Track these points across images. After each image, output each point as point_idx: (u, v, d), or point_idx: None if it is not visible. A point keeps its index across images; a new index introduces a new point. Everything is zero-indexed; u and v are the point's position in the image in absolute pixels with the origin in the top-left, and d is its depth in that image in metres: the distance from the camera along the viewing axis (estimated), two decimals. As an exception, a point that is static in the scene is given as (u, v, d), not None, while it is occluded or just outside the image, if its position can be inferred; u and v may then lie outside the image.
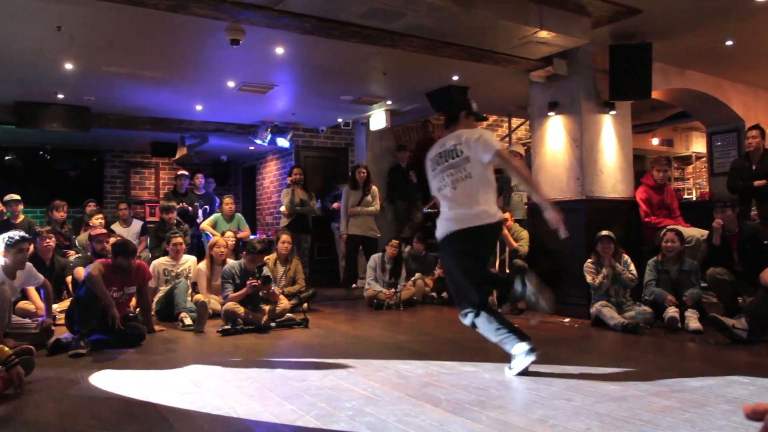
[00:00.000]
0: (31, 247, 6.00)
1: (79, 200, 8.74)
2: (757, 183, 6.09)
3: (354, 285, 8.10)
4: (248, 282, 5.55)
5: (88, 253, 6.47)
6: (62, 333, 4.84)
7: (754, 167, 6.21)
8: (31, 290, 5.26)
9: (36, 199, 9.25)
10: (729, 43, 6.31)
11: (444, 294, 7.31)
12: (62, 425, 2.83)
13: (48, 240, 6.00)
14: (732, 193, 6.12)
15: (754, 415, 0.92)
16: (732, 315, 4.85)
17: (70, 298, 5.59)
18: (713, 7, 5.38)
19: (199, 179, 9.29)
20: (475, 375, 3.64)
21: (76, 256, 6.80)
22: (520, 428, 2.63)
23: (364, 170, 8.05)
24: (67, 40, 5.45)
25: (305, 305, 6.51)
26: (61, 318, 5.44)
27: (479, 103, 4.17)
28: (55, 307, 5.66)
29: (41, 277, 5.01)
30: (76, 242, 7.45)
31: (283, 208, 8.13)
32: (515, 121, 10.79)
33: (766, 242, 5.18)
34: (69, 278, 6.31)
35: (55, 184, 10.33)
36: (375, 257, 7.32)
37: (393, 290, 6.99)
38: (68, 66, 6.21)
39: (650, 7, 5.38)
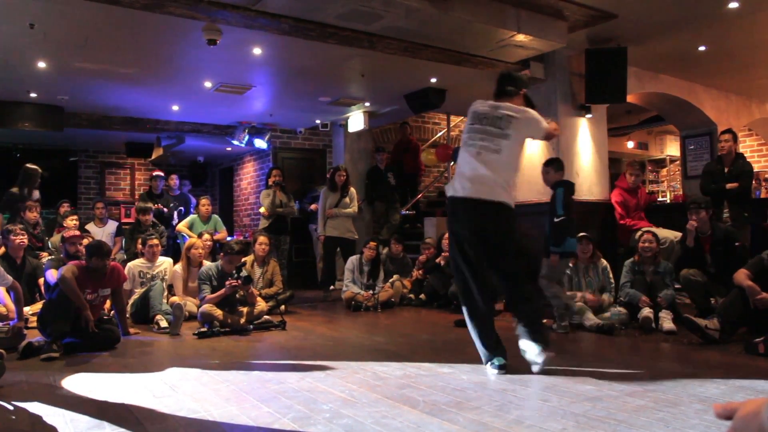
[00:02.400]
0: (2, 248, 5.90)
1: (53, 201, 8.59)
2: (729, 186, 6.21)
3: (332, 287, 8.07)
4: (227, 282, 5.49)
5: (61, 255, 6.36)
6: (34, 336, 4.75)
7: (726, 170, 6.32)
8: (3, 292, 5.16)
9: (7, 199, 9.07)
10: (702, 48, 6.42)
11: (422, 296, 7.33)
12: (35, 430, 2.78)
13: (20, 236, 5.87)
14: (704, 195, 6.23)
15: (725, 413, 0.93)
16: (705, 316, 4.93)
17: (43, 301, 5.49)
18: (687, 13, 5.47)
19: (174, 180, 9.20)
20: (452, 376, 3.65)
21: (49, 258, 6.68)
22: (496, 429, 2.64)
23: (344, 173, 7.94)
24: (40, 38, 5.37)
25: (283, 307, 6.49)
26: (32, 321, 5.33)
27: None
28: (27, 309, 5.54)
29: (10, 278, 4.89)
30: (49, 244, 7.31)
31: (262, 210, 8.07)
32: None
33: (737, 244, 5.28)
34: (41, 280, 6.19)
35: (27, 185, 10.10)
36: (353, 259, 7.31)
37: (371, 292, 6.98)
38: (41, 64, 6.11)
39: (625, 13, 5.45)
